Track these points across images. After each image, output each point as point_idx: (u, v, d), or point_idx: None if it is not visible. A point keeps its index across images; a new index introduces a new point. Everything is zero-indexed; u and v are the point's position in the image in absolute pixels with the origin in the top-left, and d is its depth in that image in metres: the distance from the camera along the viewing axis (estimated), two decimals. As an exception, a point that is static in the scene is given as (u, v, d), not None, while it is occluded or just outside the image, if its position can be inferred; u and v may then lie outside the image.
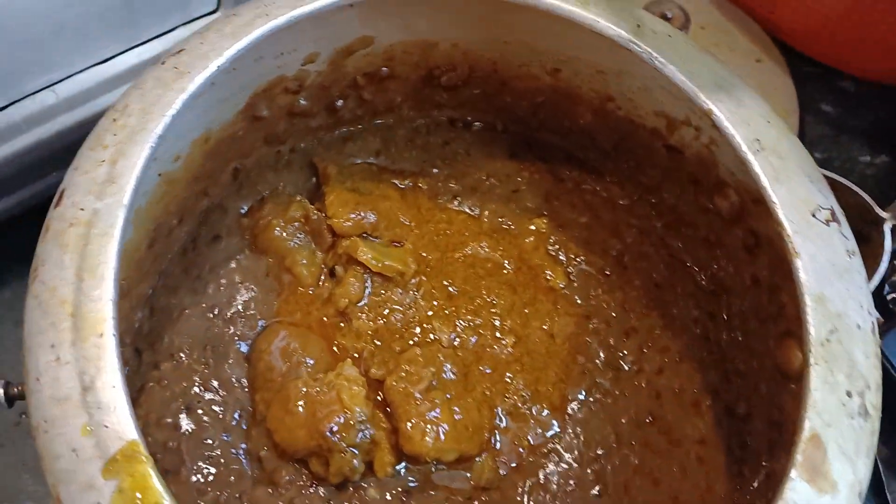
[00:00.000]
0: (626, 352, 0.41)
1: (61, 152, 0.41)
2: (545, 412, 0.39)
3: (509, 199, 0.44)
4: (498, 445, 0.38)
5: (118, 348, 0.26)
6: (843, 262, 0.30)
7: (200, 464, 0.36)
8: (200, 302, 0.39)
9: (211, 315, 0.39)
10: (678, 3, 0.43)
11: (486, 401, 0.39)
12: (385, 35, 0.37)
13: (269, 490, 0.36)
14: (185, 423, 0.36)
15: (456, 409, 0.37)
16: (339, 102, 0.40)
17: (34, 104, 0.39)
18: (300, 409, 0.35)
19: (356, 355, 0.39)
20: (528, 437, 0.39)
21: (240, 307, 0.39)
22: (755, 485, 0.33)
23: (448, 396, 0.37)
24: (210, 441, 0.36)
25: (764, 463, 0.33)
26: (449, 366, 0.39)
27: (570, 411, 0.39)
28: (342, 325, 0.40)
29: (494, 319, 0.41)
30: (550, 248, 0.43)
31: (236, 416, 0.37)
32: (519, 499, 0.37)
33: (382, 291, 0.40)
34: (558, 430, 0.39)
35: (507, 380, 0.40)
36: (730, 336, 0.39)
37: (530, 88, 0.41)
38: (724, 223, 0.37)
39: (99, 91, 0.41)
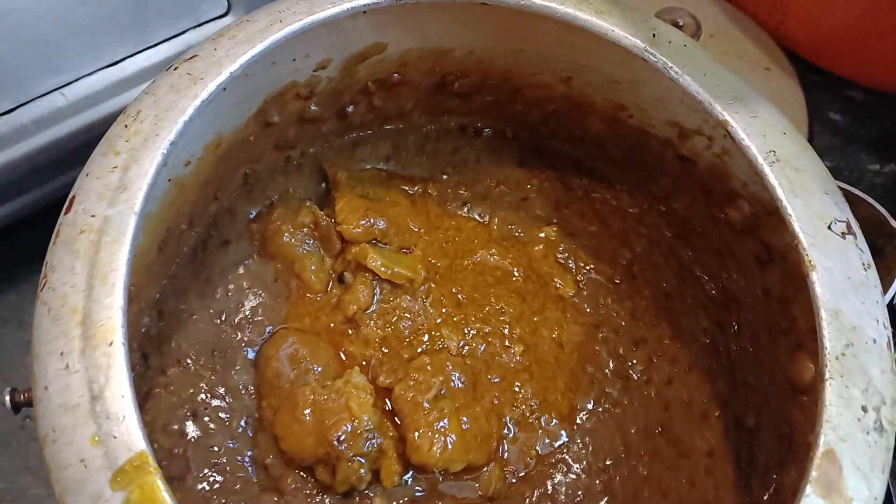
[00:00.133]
0: (635, 361, 0.41)
1: (70, 155, 0.41)
2: (554, 422, 0.39)
3: (519, 207, 0.44)
4: (506, 455, 0.38)
5: (127, 357, 0.25)
6: (859, 275, 0.30)
7: (206, 471, 0.35)
8: (208, 307, 0.38)
9: (218, 320, 0.38)
10: (689, 11, 0.43)
11: (494, 410, 0.39)
12: (398, 42, 0.37)
13: (275, 498, 0.35)
14: (192, 430, 0.36)
15: (464, 418, 0.37)
16: (350, 108, 0.40)
17: (43, 106, 0.39)
18: (308, 416, 0.35)
19: (364, 363, 0.39)
20: (537, 447, 0.38)
21: (248, 313, 0.39)
22: (765, 498, 0.33)
23: (456, 406, 0.37)
24: (216, 448, 0.36)
25: (773, 476, 0.33)
26: (457, 374, 0.38)
27: (578, 421, 0.39)
28: (350, 331, 0.39)
29: (503, 327, 0.41)
30: (560, 256, 0.43)
31: (243, 422, 0.37)
32: (527, 509, 0.37)
33: (391, 298, 0.40)
34: (567, 439, 0.39)
35: (516, 389, 0.39)
36: (739, 347, 0.38)
37: (542, 97, 0.41)
38: (735, 234, 0.37)
39: (108, 94, 0.41)
